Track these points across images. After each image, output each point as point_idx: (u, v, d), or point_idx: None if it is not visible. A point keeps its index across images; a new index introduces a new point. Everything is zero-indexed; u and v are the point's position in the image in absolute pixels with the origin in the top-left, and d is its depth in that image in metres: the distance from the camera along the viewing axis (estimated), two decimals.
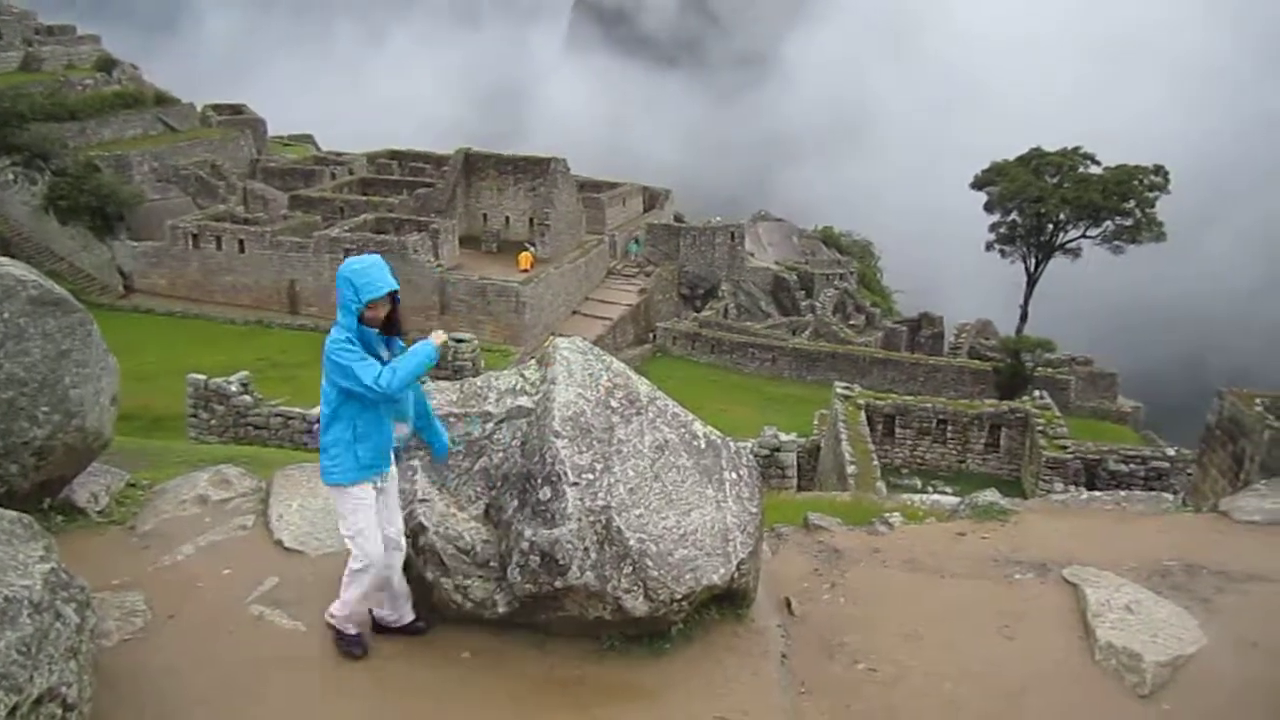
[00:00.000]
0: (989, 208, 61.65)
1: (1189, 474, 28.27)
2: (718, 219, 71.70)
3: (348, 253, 50.66)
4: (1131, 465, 30.54)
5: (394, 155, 72.51)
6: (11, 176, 56.51)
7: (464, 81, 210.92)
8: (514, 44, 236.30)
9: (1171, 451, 32.10)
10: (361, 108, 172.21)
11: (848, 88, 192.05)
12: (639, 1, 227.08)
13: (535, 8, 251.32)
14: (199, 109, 72.95)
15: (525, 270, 53.41)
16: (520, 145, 77.64)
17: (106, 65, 71.25)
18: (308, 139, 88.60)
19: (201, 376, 25.83)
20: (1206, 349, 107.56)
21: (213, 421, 25.35)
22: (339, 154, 75.39)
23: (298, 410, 26.31)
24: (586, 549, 5.63)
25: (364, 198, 60.66)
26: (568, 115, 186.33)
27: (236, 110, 75.45)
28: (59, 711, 4.37)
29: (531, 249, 55.74)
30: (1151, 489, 26.89)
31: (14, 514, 5.12)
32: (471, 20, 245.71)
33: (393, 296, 5.60)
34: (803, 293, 64.39)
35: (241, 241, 52.64)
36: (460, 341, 30.52)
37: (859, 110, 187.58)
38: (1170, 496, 9.58)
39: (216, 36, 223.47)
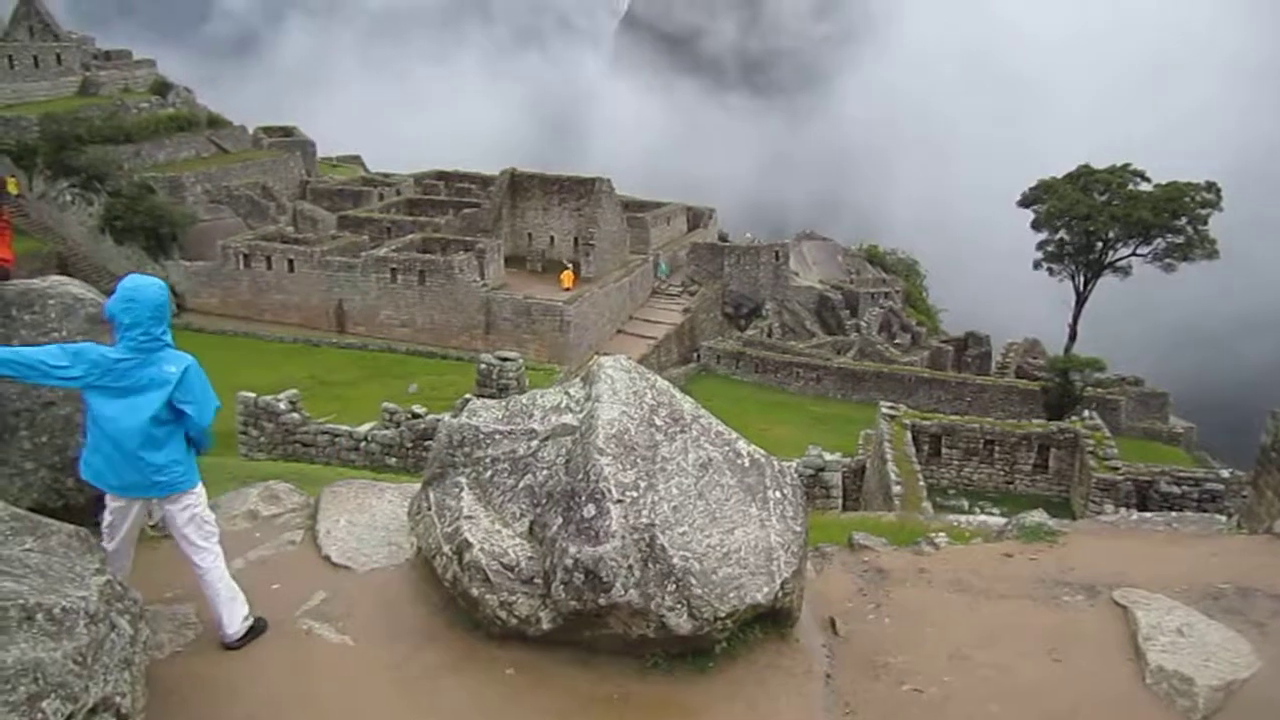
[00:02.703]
0: (1036, 225, 61.03)
1: (1244, 496, 27.66)
2: (749, 235, 71.78)
3: (394, 272, 51.32)
4: (1184, 487, 29.95)
5: (441, 176, 73.29)
6: (69, 198, 57.94)
7: (524, 102, 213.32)
8: (573, 66, 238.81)
9: (1225, 473, 31.43)
10: (425, 128, 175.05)
11: (910, 104, 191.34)
12: (698, 25, 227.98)
13: (593, 31, 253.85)
14: (250, 131, 74.26)
15: (567, 288, 53.72)
16: (579, 167, 78.25)
17: (162, 89, 72.81)
18: (356, 160, 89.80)
19: (251, 394, 26.22)
20: (1263, 367, 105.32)
21: (262, 438, 25.72)
22: (386, 175, 76.35)
23: (345, 428, 26.62)
24: (630, 566, 5.64)
25: (411, 218, 61.39)
26: (625, 136, 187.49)
27: (287, 132, 76.69)
28: None
29: (570, 267, 56.14)
30: (1205, 511, 26.38)
31: (71, 527, 5.25)
32: (534, 41, 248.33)
33: None
34: (848, 312, 64.05)
35: (291, 261, 53.42)
36: (505, 360, 30.71)
37: (922, 126, 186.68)
38: (1222, 518, 9.41)
39: (291, 58, 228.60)
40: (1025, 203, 61.75)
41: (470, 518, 6.34)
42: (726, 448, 6.53)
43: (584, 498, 5.85)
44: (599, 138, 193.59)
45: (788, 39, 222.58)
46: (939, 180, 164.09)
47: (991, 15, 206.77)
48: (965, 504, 31.17)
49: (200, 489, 6.12)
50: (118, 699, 4.52)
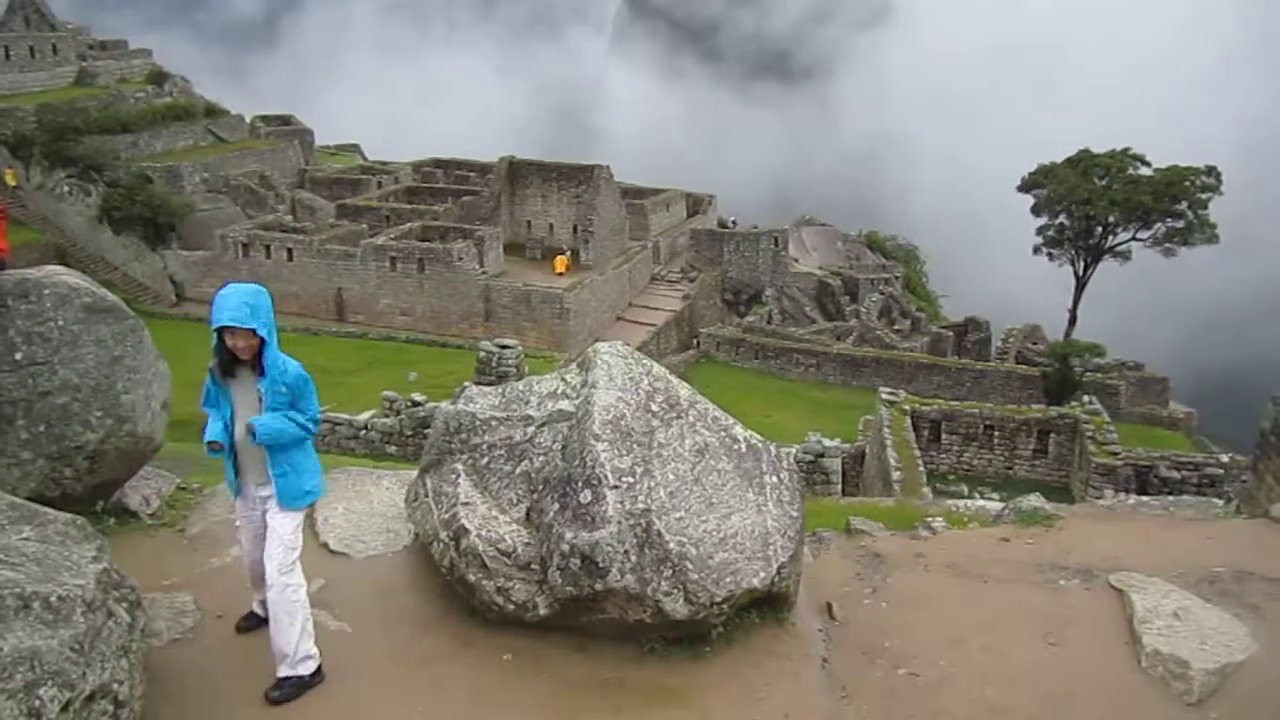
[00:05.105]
0: (1036, 210, 60.93)
1: (1243, 481, 27.66)
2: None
3: (393, 261, 51.25)
4: (1184, 472, 29.96)
5: (439, 164, 73.10)
6: (67, 188, 57.86)
7: (535, 88, 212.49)
8: (584, 52, 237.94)
9: (1225, 458, 31.42)
10: (437, 114, 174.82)
11: (926, 93, 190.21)
12: (711, 12, 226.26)
13: (603, 19, 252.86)
14: (248, 120, 74.07)
15: (560, 273, 53.85)
16: (590, 154, 77.99)
17: (158, 78, 72.62)
18: (354, 148, 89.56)
19: None
20: (1264, 352, 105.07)
21: None
22: (385, 163, 76.17)
23: (345, 416, 26.64)
24: (626, 552, 5.65)
25: (410, 206, 61.27)
26: (634, 123, 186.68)
27: (285, 121, 76.42)
28: (110, 708, 4.46)
29: (567, 252, 56.28)
30: (1204, 496, 26.39)
31: (68, 516, 5.25)
32: (546, 28, 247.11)
33: (253, 332, 5.67)
34: (847, 298, 63.93)
35: (290, 250, 53.38)
36: (504, 348, 30.71)
37: (939, 114, 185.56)
38: (1219, 502, 9.42)
39: (306, 45, 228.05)
40: (1025, 187, 61.65)
41: (467, 504, 6.35)
42: (723, 433, 6.53)
43: (580, 483, 5.85)
44: (609, 124, 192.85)
45: (804, 27, 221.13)
46: (953, 167, 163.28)
47: (1012, 2, 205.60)
48: (965, 489, 31.17)
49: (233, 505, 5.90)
50: (115, 686, 4.53)
